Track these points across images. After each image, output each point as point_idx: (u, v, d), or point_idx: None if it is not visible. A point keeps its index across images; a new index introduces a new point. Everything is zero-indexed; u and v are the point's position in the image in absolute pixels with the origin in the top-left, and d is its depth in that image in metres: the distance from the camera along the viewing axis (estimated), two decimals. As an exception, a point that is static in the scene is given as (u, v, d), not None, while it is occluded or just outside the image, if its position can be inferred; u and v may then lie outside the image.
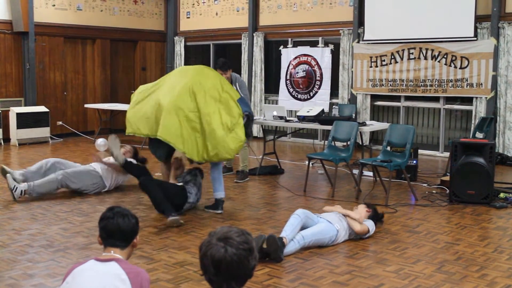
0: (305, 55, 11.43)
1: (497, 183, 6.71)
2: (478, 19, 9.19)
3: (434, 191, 6.89)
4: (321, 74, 11.19)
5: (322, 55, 11.19)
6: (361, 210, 5.13)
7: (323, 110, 8.07)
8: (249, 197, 6.74)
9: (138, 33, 13.10)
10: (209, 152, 5.53)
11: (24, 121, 10.54)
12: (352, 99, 10.65)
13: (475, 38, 9.20)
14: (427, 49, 9.72)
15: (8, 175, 6.18)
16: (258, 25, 12.14)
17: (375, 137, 10.23)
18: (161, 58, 13.71)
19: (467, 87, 9.36)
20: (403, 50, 9.98)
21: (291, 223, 4.64)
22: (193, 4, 13.34)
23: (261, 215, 5.79)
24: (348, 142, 7.04)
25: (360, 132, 8.01)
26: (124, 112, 9.73)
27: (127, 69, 13.20)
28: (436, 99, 9.94)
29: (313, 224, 4.78)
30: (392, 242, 4.91)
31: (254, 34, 12.02)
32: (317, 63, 11.24)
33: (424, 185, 7.28)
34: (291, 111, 10.99)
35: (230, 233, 2.00)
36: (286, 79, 11.71)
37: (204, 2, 13.10)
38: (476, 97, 9.31)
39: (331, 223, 4.80)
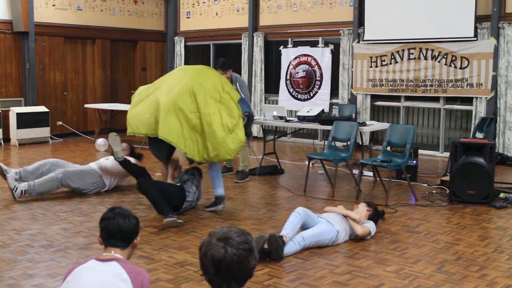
0: (305, 55, 11.43)
1: (497, 183, 6.71)
2: (478, 19, 9.19)
3: (434, 191, 6.89)
4: (321, 74, 11.19)
5: (322, 55, 11.19)
6: (362, 209, 5.12)
7: (323, 110, 8.07)
8: (249, 197, 6.74)
9: (138, 33, 13.10)
10: (209, 152, 5.54)
11: (24, 121, 10.54)
12: (352, 99, 10.65)
13: (475, 38, 9.20)
14: (427, 49, 9.72)
15: (8, 175, 6.18)
16: (258, 25, 12.14)
17: (375, 137, 10.24)
18: (161, 58, 13.71)
19: (467, 87, 9.36)
20: (403, 50, 9.98)
21: (291, 222, 4.64)
22: (193, 4, 13.34)
23: (261, 215, 5.79)
24: (348, 142, 7.04)
25: (360, 132, 8.01)
26: (124, 112, 9.72)
27: (127, 69, 13.21)
28: (436, 99, 9.94)
29: (314, 224, 4.78)
30: (392, 242, 4.91)
31: (254, 34, 12.02)
32: (317, 63, 11.24)
33: (424, 185, 7.28)
34: (291, 111, 11.00)
35: (230, 233, 2.00)
36: (286, 79, 11.71)
37: (204, 2, 13.10)
38: (476, 97, 9.31)
39: (331, 223, 4.80)
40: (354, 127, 7.02)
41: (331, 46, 11.12)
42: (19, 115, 10.49)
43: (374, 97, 10.60)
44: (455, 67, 9.43)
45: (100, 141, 9.90)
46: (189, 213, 5.80)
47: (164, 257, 4.44)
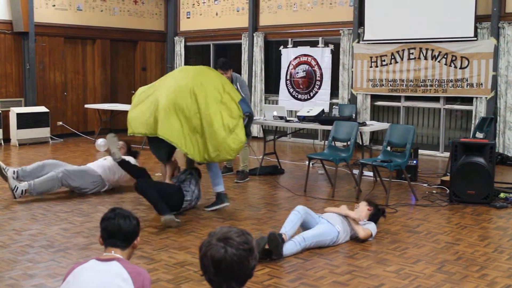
0: (305, 55, 11.43)
1: (497, 183, 6.70)
2: (478, 19, 9.19)
3: (434, 191, 6.89)
4: (321, 74, 11.19)
5: (322, 55, 11.19)
6: (363, 209, 5.11)
7: (323, 110, 8.07)
8: (249, 197, 6.74)
9: (138, 33, 13.10)
10: (210, 153, 5.54)
11: (24, 121, 10.54)
12: (352, 99, 10.65)
13: (475, 38, 9.20)
14: (427, 49, 9.72)
15: (9, 177, 6.19)
16: (258, 25, 12.14)
17: (375, 137, 10.24)
18: (161, 58, 13.71)
19: (467, 87, 9.36)
20: (403, 50, 9.98)
21: (291, 220, 4.64)
22: (193, 4, 13.34)
23: (261, 215, 5.79)
24: (348, 142, 7.04)
25: (360, 132, 8.01)
26: (124, 113, 9.72)
27: (127, 69, 13.20)
28: (436, 99, 9.94)
29: (314, 223, 4.78)
30: (392, 242, 4.91)
31: (254, 34, 12.02)
32: (317, 63, 11.24)
33: (424, 185, 7.28)
34: (291, 111, 11.00)
35: (230, 233, 2.00)
36: (286, 79, 11.71)
37: (204, 2, 13.10)
38: (476, 97, 9.31)
39: (332, 224, 4.79)
40: (354, 127, 7.02)
41: (331, 46, 11.12)
42: (19, 115, 10.49)
43: (374, 97, 10.60)
44: (455, 67, 9.43)
45: (100, 141, 9.90)
46: (189, 213, 5.80)
47: (164, 257, 4.44)
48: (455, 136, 9.71)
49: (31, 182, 6.25)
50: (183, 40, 13.47)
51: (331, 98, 11.07)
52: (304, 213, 4.74)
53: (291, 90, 11.64)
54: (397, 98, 10.36)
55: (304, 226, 4.78)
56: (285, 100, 11.64)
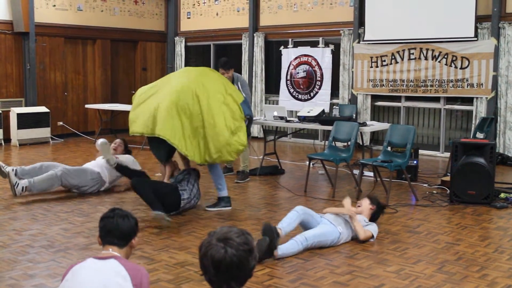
0: (305, 55, 11.43)
1: (497, 183, 6.70)
2: (479, 19, 9.19)
3: (434, 191, 6.89)
4: (322, 75, 11.19)
5: (323, 56, 11.19)
6: (365, 207, 5.09)
7: (323, 110, 8.07)
8: (250, 197, 6.74)
9: (138, 33, 13.11)
10: (211, 154, 5.54)
11: (25, 121, 10.54)
12: (353, 100, 10.65)
13: (476, 38, 9.20)
14: (427, 49, 9.72)
15: (10, 172, 6.21)
16: (259, 26, 12.14)
17: (376, 137, 10.24)
18: (161, 59, 13.71)
19: (467, 87, 9.36)
20: (403, 50, 9.98)
21: (289, 217, 4.67)
22: (194, 5, 13.34)
23: (261, 216, 5.79)
24: (349, 143, 7.04)
25: (361, 133, 8.01)
26: (124, 113, 9.73)
27: (128, 70, 13.21)
28: (436, 99, 9.94)
29: (316, 223, 4.78)
30: (392, 242, 4.91)
31: (254, 35, 12.02)
32: (318, 64, 11.24)
33: (424, 185, 7.28)
34: (292, 111, 11.00)
35: (230, 234, 2.00)
36: (287, 80, 11.71)
37: (204, 3, 13.11)
38: (477, 97, 9.31)
39: (334, 225, 4.79)
40: (355, 127, 7.02)
41: (332, 46, 11.12)
42: (19, 115, 10.49)
43: (375, 97, 10.60)
44: (456, 67, 9.43)
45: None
46: (189, 213, 5.80)
47: (164, 258, 4.44)
48: (456, 136, 9.71)
49: (31, 179, 6.29)
50: (183, 40, 13.47)
51: (331, 98, 11.07)
52: (303, 213, 4.74)
53: (292, 90, 11.64)
54: (397, 98, 10.36)
55: (305, 227, 4.78)
56: (285, 100, 11.64)
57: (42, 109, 10.95)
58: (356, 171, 7.16)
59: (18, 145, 10.40)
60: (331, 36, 11.09)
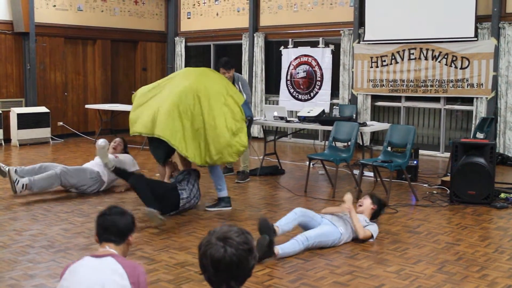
0: (305, 55, 11.43)
1: (497, 183, 6.70)
2: (479, 19, 9.19)
3: (434, 192, 6.89)
4: (322, 75, 11.19)
5: (323, 56, 11.19)
6: (367, 206, 5.08)
7: (323, 110, 8.07)
8: (250, 197, 6.74)
9: (138, 33, 13.11)
10: (212, 156, 5.54)
11: (25, 121, 10.54)
12: (353, 100, 10.65)
13: (476, 38, 9.20)
14: (427, 50, 9.72)
15: (11, 170, 6.22)
16: (259, 26, 12.14)
17: (376, 137, 10.24)
18: (161, 59, 13.71)
19: (467, 87, 9.36)
20: (403, 50, 9.98)
21: (287, 217, 4.70)
22: (194, 5, 13.34)
23: (261, 216, 5.78)
24: (349, 143, 7.04)
25: (361, 133, 8.00)
26: (124, 113, 9.73)
27: (128, 70, 13.21)
28: (436, 100, 9.94)
29: (316, 224, 4.77)
30: (392, 242, 4.91)
31: (254, 35, 12.02)
32: (318, 64, 11.24)
33: (424, 185, 7.28)
34: (292, 111, 11.00)
35: (229, 233, 2.00)
36: (287, 80, 11.71)
37: (204, 3, 13.11)
38: (477, 97, 9.31)
39: (335, 225, 4.78)
40: (355, 127, 7.02)
41: (332, 47, 11.12)
42: (19, 115, 10.49)
43: (375, 98, 10.60)
44: (456, 67, 9.43)
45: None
46: (189, 214, 5.80)
47: (164, 258, 4.44)
48: (456, 137, 9.71)
49: (31, 178, 6.32)
50: (183, 41, 13.47)
51: (331, 99, 11.07)
52: (301, 215, 4.74)
53: (292, 90, 11.64)
54: (397, 99, 10.36)
55: (306, 228, 4.78)
56: (285, 100, 11.64)
57: (42, 109, 10.95)
58: (356, 171, 7.16)
59: (18, 145, 10.41)
60: (331, 36, 11.09)
